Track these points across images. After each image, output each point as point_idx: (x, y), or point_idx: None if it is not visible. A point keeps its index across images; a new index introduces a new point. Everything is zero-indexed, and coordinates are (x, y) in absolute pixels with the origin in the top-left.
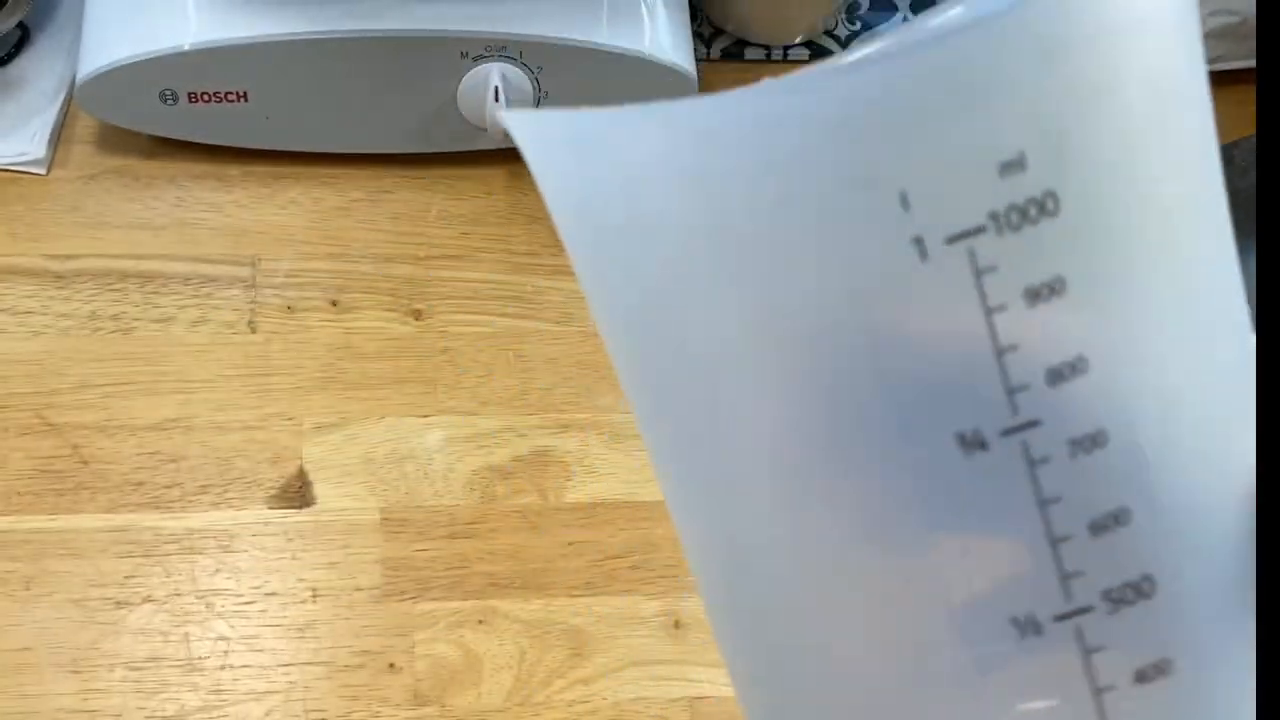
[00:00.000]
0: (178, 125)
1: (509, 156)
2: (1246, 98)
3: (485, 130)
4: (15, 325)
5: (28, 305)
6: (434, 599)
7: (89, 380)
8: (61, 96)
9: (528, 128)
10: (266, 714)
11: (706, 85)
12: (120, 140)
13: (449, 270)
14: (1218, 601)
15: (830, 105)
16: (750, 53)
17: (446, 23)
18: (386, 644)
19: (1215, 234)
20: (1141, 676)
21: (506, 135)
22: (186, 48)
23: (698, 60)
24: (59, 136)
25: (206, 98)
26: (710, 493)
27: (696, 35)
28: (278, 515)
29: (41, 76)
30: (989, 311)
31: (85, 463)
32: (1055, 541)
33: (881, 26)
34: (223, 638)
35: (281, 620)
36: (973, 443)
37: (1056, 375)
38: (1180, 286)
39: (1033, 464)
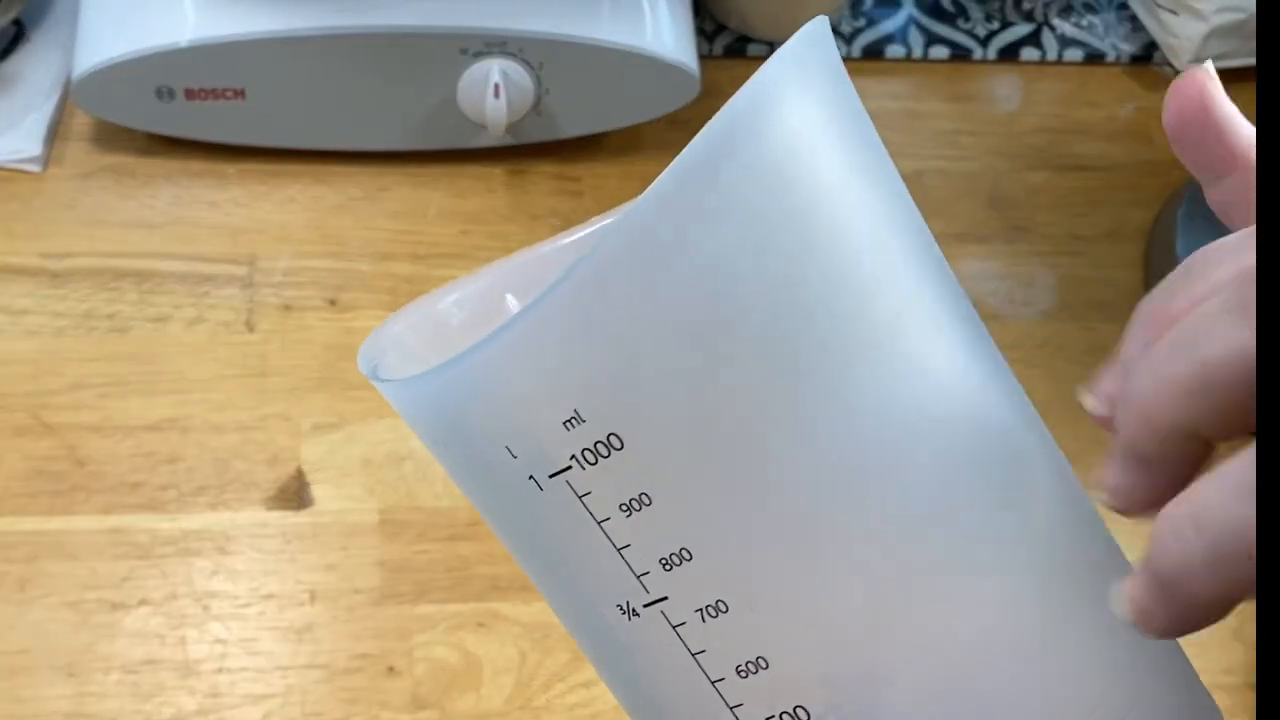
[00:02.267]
0: (174, 122)
1: (508, 154)
2: (1253, 95)
3: (485, 127)
4: (10, 324)
5: (23, 304)
6: (434, 601)
7: (85, 380)
8: (57, 93)
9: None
10: (264, 717)
11: (710, 82)
12: (116, 137)
13: (448, 268)
14: None
15: (462, 389)
16: (753, 49)
17: (446, 18)
18: (385, 647)
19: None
20: None
21: (506, 132)
22: (183, 44)
23: (700, 57)
24: (54, 134)
25: (203, 95)
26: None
27: (699, 31)
28: (275, 517)
29: (37, 73)
30: (598, 522)
31: (81, 463)
32: (714, 682)
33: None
34: (220, 640)
35: (279, 623)
36: (628, 611)
37: (668, 562)
38: (758, 477)
39: (673, 627)
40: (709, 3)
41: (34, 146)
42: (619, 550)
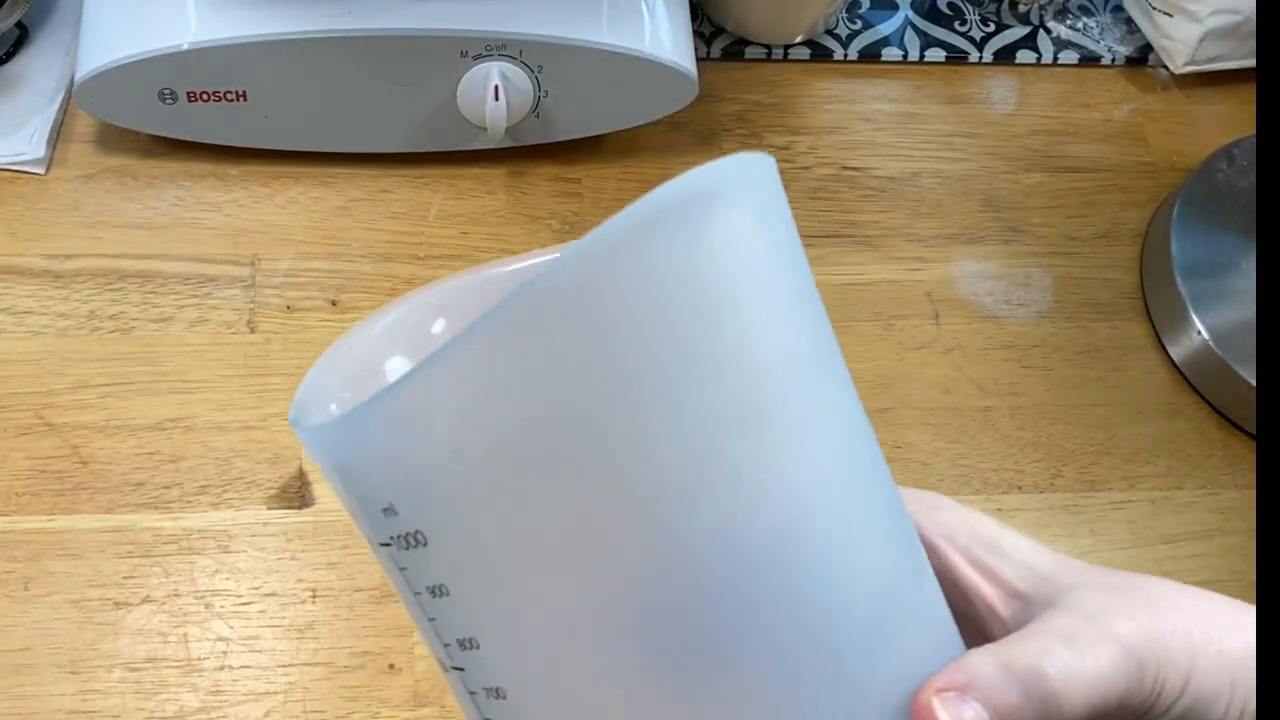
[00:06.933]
0: (177, 125)
1: (508, 156)
2: (1247, 97)
3: (484, 129)
4: (14, 325)
5: (27, 305)
6: None
7: (88, 380)
8: (60, 96)
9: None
10: (266, 715)
11: (707, 84)
12: (119, 140)
13: (448, 269)
14: None
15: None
16: (751, 52)
17: (446, 21)
18: (386, 645)
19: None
20: None
21: (506, 134)
22: (185, 47)
23: (698, 59)
24: (58, 136)
25: (205, 97)
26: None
27: (697, 34)
28: (277, 515)
29: (40, 76)
30: (414, 593)
31: (84, 463)
32: None
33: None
34: (222, 638)
35: (281, 621)
36: (444, 667)
37: (463, 644)
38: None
39: (471, 694)
40: (706, 6)
41: (37, 149)
42: (429, 619)
